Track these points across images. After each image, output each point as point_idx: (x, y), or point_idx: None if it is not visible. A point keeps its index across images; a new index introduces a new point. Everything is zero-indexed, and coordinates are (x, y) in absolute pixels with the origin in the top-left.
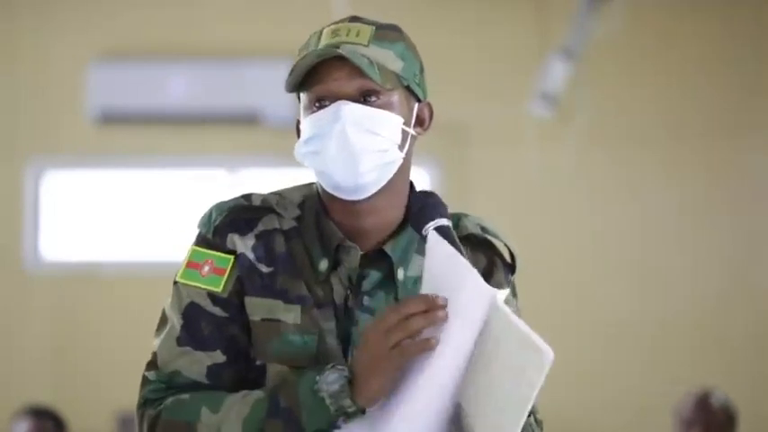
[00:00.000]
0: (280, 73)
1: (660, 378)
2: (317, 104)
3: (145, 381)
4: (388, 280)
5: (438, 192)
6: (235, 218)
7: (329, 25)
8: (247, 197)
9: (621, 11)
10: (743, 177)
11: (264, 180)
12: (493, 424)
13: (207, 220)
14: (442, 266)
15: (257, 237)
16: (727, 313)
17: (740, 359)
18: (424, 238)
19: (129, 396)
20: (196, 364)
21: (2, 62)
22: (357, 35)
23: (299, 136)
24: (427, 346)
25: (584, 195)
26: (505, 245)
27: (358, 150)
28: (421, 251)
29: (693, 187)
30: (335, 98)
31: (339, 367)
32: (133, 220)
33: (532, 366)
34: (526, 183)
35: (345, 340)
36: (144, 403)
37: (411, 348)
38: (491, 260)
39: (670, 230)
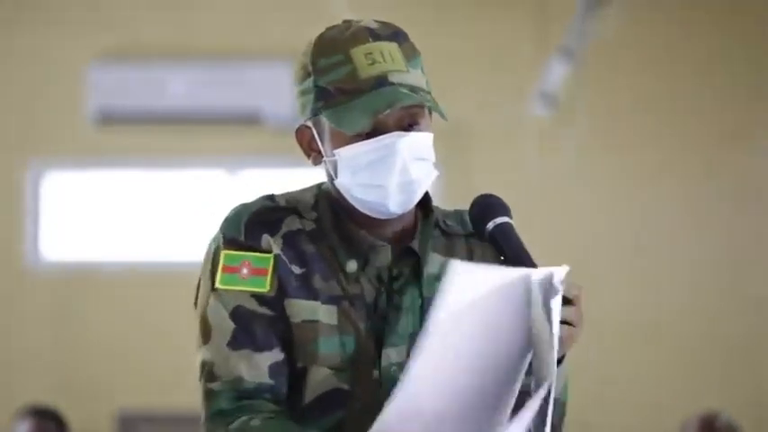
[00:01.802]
0: (280, 73)
1: (658, 378)
2: (358, 134)
3: (210, 393)
4: (413, 276)
5: (438, 191)
6: (263, 219)
7: (353, 45)
8: (271, 197)
9: (621, 11)
10: (742, 178)
11: (264, 180)
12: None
13: (235, 222)
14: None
15: (283, 238)
16: (726, 314)
17: (739, 359)
18: (486, 237)
19: (129, 396)
20: (257, 366)
21: (2, 62)
22: (393, 60)
23: (305, 149)
24: None
25: (584, 195)
26: None
27: (416, 182)
28: (436, 249)
29: (693, 188)
30: (384, 129)
31: None
32: (133, 220)
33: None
34: (526, 182)
35: (377, 340)
36: (215, 415)
37: None
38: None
39: (670, 231)
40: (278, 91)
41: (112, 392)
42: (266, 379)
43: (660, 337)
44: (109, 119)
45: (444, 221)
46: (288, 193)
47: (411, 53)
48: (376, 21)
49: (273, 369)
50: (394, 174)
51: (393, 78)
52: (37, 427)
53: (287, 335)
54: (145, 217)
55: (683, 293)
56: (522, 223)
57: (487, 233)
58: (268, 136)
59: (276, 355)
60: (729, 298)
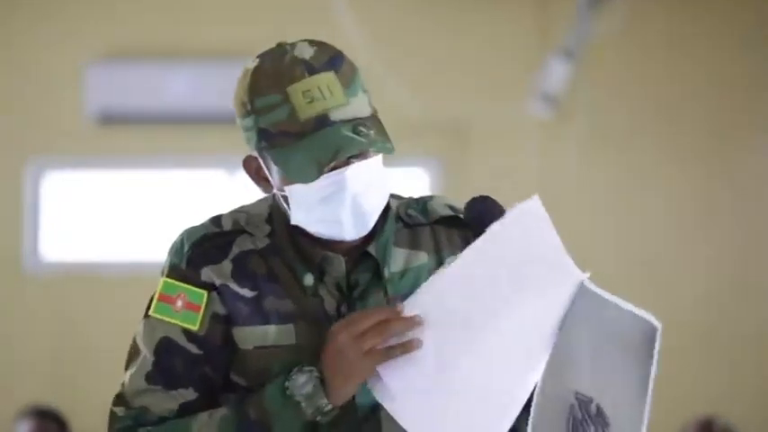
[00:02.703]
0: None
1: (660, 377)
2: None
3: (113, 416)
4: (375, 279)
5: (437, 191)
6: (208, 247)
7: (289, 83)
8: (216, 221)
9: (621, 11)
10: (745, 177)
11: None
12: (624, 404)
13: (179, 249)
14: (528, 239)
15: (233, 261)
16: (729, 313)
17: (740, 359)
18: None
19: None
20: (166, 402)
21: (2, 62)
22: (331, 94)
23: (253, 178)
24: (407, 350)
25: (585, 195)
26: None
27: (369, 209)
28: (399, 243)
29: (694, 187)
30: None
31: (306, 368)
32: (133, 220)
33: (643, 339)
34: (526, 183)
35: None
36: None
37: (387, 354)
38: (466, 238)
39: (671, 230)
40: None
41: (112, 393)
42: (172, 416)
43: (663, 337)
44: (109, 119)
45: (406, 213)
46: (236, 212)
47: (349, 77)
48: (311, 44)
49: (183, 408)
50: (346, 208)
51: (333, 116)
52: (38, 428)
53: (212, 375)
54: (145, 217)
55: (687, 293)
56: None
57: None
58: None
59: (189, 394)
60: (733, 297)
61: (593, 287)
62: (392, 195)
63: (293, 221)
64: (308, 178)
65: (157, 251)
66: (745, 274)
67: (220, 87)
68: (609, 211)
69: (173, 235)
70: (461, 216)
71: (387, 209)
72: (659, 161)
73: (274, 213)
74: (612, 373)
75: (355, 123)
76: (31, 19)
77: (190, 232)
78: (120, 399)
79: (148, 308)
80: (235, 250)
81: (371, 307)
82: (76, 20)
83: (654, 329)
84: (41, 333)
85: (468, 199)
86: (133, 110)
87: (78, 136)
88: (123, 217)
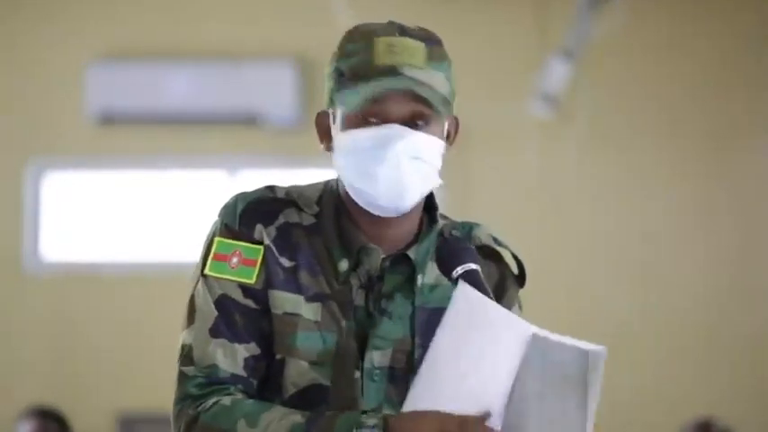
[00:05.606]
0: (280, 73)
1: (660, 378)
2: (363, 119)
3: (183, 376)
4: (407, 285)
5: (439, 192)
6: (259, 209)
7: (379, 35)
8: (271, 188)
9: (621, 11)
10: (744, 177)
11: (264, 181)
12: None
13: (231, 210)
14: (470, 310)
15: (278, 229)
16: (728, 313)
17: (740, 359)
18: (452, 281)
19: (129, 396)
20: (233, 356)
21: (2, 62)
22: (412, 55)
23: (320, 134)
24: None
25: (585, 195)
26: (516, 257)
27: (408, 180)
28: (435, 259)
29: (695, 187)
30: (386, 119)
31: (371, 423)
32: (133, 220)
33: (578, 368)
34: (527, 183)
35: (362, 341)
36: (184, 398)
37: None
38: (503, 273)
39: (671, 231)
40: (278, 91)
41: (113, 393)
42: (240, 371)
43: (663, 337)
44: (109, 119)
45: (450, 233)
46: (290, 186)
47: (438, 56)
48: (420, 27)
49: (248, 363)
50: (384, 165)
51: (405, 71)
52: (39, 428)
53: (267, 329)
54: (145, 217)
55: (686, 293)
56: (523, 223)
57: (455, 277)
58: (268, 136)
59: (252, 348)
60: (732, 297)
61: (541, 333)
62: (441, 215)
63: (335, 167)
64: (352, 106)
65: (157, 252)
66: (744, 275)
67: (220, 87)
68: (609, 211)
69: (173, 235)
70: (501, 250)
71: (433, 221)
72: (659, 161)
73: (325, 196)
74: (556, 412)
75: (425, 84)
76: (32, 20)
77: (243, 195)
78: (186, 358)
79: (203, 268)
80: (281, 219)
81: (469, 417)
82: (77, 20)
83: (585, 356)
84: (41, 333)
85: (467, 200)
86: (133, 110)
87: (79, 136)
88: (123, 217)
